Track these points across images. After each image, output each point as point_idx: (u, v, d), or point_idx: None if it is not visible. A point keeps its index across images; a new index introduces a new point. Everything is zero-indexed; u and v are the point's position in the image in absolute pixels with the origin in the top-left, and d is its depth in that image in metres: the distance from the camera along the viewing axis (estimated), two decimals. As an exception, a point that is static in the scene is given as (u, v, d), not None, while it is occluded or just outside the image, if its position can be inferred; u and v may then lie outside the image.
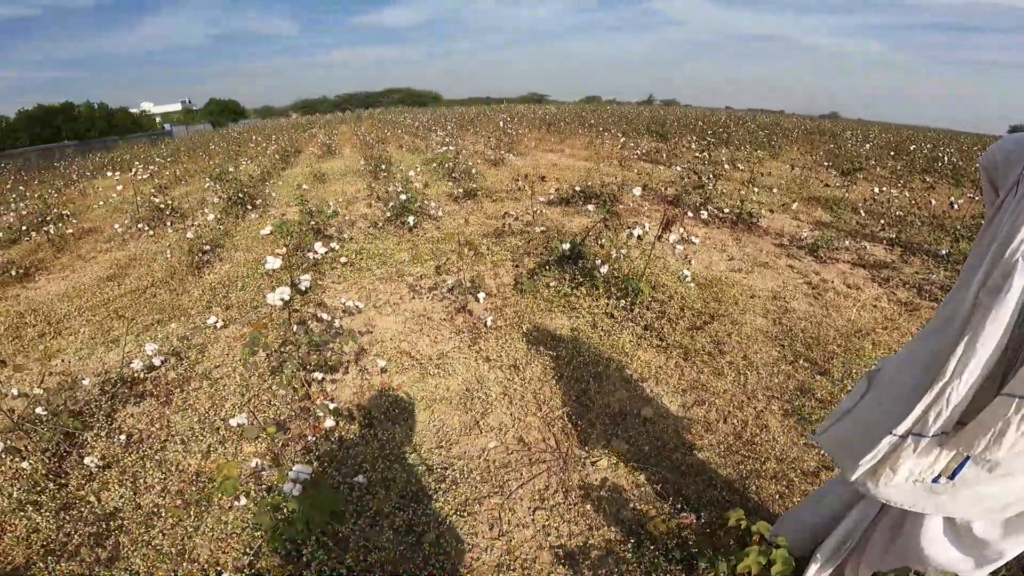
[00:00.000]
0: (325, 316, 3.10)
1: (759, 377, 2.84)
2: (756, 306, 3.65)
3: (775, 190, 7.00)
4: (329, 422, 2.45)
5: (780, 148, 11.70)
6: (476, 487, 2.15)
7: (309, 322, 3.17)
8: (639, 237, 3.61)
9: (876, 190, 6.29)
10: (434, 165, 8.16)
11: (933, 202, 6.06)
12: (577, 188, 5.85)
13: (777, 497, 2.07)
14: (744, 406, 2.62)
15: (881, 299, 3.88)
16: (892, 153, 11.85)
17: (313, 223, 4.83)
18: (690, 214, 4.94)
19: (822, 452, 2.31)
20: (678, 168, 7.18)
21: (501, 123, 14.27)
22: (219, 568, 1.82)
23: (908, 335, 3.33)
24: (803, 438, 2.41)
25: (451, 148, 8.71)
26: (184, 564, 1.83)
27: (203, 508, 2.05)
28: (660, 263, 4.13)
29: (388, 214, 5.22)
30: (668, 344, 3.12)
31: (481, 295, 3.43)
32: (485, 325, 3.28)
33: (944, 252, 4.59)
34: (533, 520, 2.01)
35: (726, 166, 7.22)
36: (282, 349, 3.00)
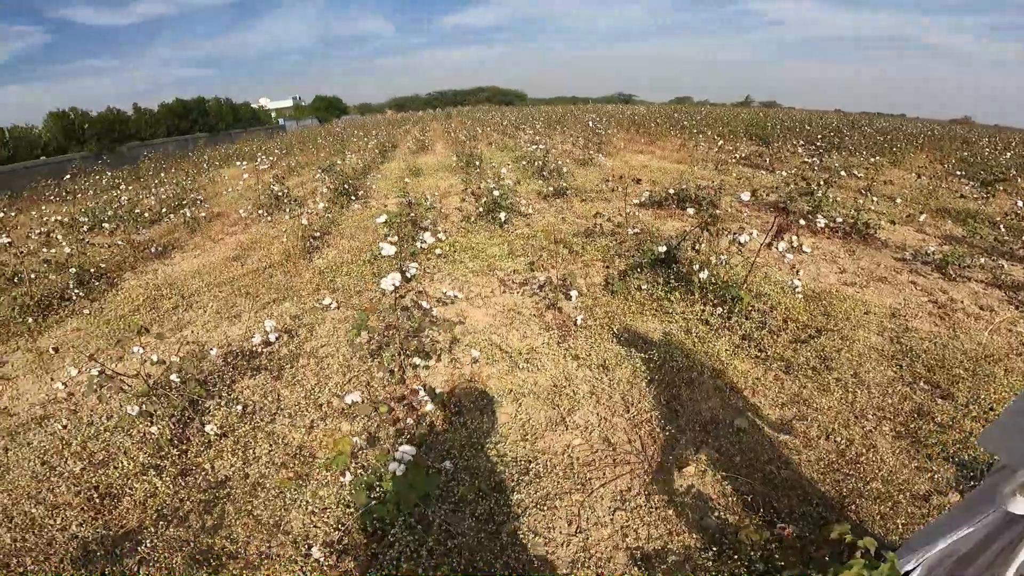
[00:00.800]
0: (425, 304, 3.27)
1: (870, 396, 2.62)
2: (871, 323, 3.34)
3: (898, 200, 6.33)
4: (428, 407, 2.60)
5: (903, 155, 10.54)
6: (558, 482, 2.17)
7: (411, 309, 3.37)
8: (743, 244, 3.44)
9: (1020, 203, 5.50)
10: (523, 163, 8.27)
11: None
12: (671, 191, 5.67)
13: (879, 518, 1.92)
14: (851, 425, 2.43)
15: (1018, 323, 3.41)
16: None
17: (411, 215, 5.10)
18: (802, 222, 4.62)
19: (935, 476, 2.12)
20: (783, 173, 6.72)
21: (590, 122, 14.13)
22: (309, 542, 1.93)
23: None
24: (915, 461, 2.20)
25: (540, 147, 8.79)
26: (278, 535, 1.96)
27: (303, 482, 2.20)
28: (763, 272, 3.91)
29: (480, 209, 5.37)
30: (768, 356, 2.95)
31: (572, 293, 3.44)
32: (575, 323, 3.29)
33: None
34: (612, 520, 2.00)
35: (841, 172, 6.63)
36: (384, 333, 3.22)
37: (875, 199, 5.69)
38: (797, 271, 3.75)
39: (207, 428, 2.52)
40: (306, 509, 2.08)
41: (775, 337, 3.14)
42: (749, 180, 6.95)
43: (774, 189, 6.03)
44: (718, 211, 4.98)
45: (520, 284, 3.89)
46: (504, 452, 2.34)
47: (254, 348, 3.23)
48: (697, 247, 3.79)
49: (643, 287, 3.62)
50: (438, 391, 2.82)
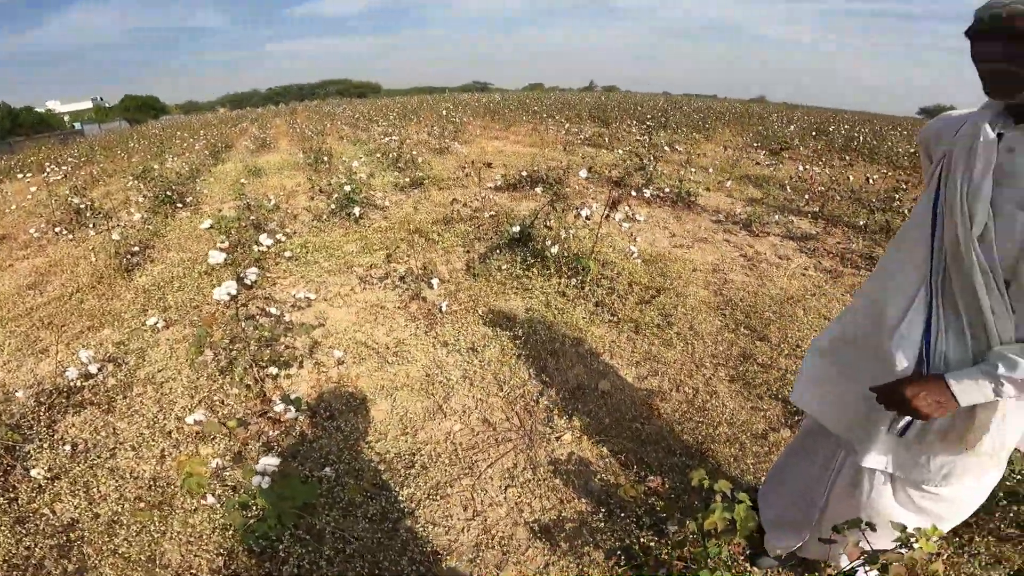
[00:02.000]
0: (274, 311, 3.01)
1: (705, 346, 3.02)
2: (698, 279, 3.85)
3: (710, 170, 7.34)
4: (290, 413, 2.40)
5: (714, 130, 12.25)
6: (446, 470, 2.18)
7: (258, 317, 3.07)
8: (587, 217, 3.71)
9: (801, 168, 6.74)
10: (377, 156, 7.98)
11: (851, 178, 6.57)
12: (524, 173, 5.91)
13: (732, 460, 2.22)
14: (694, 374, 2.78)
15: (809, 268, 4.19)
16: (814, 134, 12.68)
17: (252, 218, 4.64)
18: (633, 194, 5.12)
19: (767, 414, 2.49)
20: (620, 152, 7.39)
21: (444, 112, 14.08)
22: (193, 572, 1.76)
23: (835, 300, 3.63)
24: (749, 402, 2.57)
25: (394, 139, 8.54)
26: (156, 571, 1.76)
27: (167, 512, 1.97)
28: (607, 242, 4.27)
29: (332, 206, 5.08)
30: (620, 319, 3.25)
31: (434, 281, 3.43)
32: (440, 311, 3.29)
33: (862, 223, 5.01)
34: (505, 498, 2.06)
35: (665, 148, 7.49)
36: (231, 347, 2.89)
37: (693, 170, 6.54)
38: (635, 238, 4.17)
39: (32, 472, 2.13)
40: (180, 539, 1.86)
41: (623, 301, 3.46)
42: (592, 159, 7.52)
43: (614, 166, 6.61)
44: (567, 189, 5.32)
45: (380, 279, 3.77)
46: (386, 449, 2.28)
47: (71, 384, 2.71)
48: (548, 224, 4.01)
49: (503, 267, 3.74)
50: (302, 398, 2.64)
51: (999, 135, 0.97)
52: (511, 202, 5.35)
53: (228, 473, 2.13)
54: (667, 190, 5.76)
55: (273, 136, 12.43)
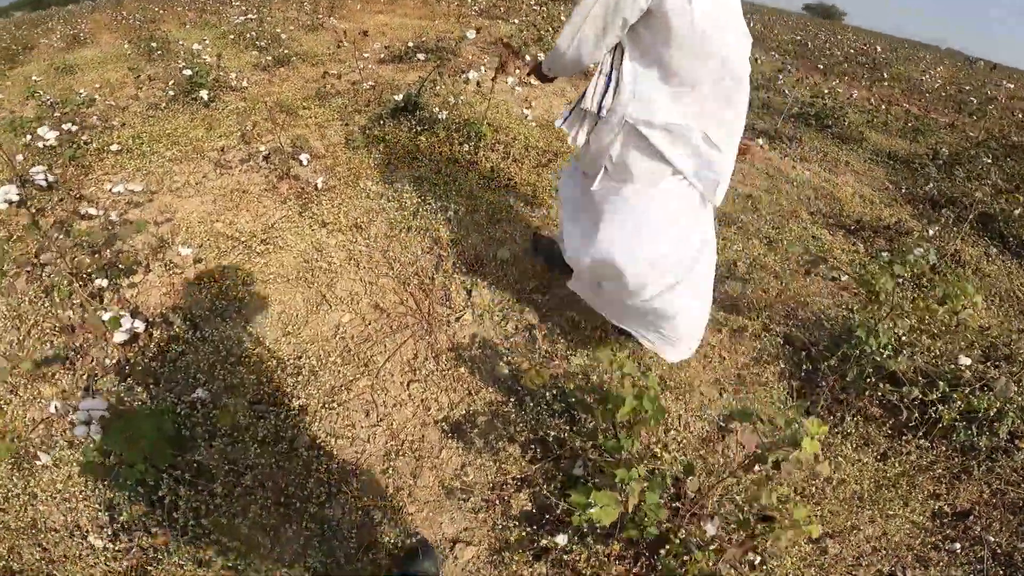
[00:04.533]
0: (93, 211, 2.42)
1: None
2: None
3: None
4: (120, 335, 1.97)
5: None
6: (339, 372, 1.93)
7: (72, 223, 2.45)
8: (478, 83, 3.29)
9: None
10: (231, 38, 6.64)
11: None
12: (411, 44, 5.18)
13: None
14: None
15: None
16: None
17: (58, 115, 3.67)
18: (528, 59, 4.68)
19: None
20: (516, 22, 6.73)
21: (316, -11, 12.03)
22: (81, 529, 1.46)
23: None
24: None
25: (251, 17, 7.14)
26: (43, 535, 1.44)
27: (28, 472, 1.58)
28: (502, 109, 3.89)
29: (171, 93, 4.15)
30: (516, 183, 3.00)
31: (304, 157, 2.92)
32: (315, 188, 2.84)
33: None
34: (410, 396, 1.87)
35: (562, 19, 6.93)
36: (40, 263, 2.30)
37: (593, 38, 6.11)
38: (530, 103, 3.82)
39: None
40: (55, 500, 1.52)
41: (519, 165, 3.19)
42: (488, 30, 6.81)
43: (511, 36, 6.01)
44: (458, 59, 4.75)
45: (242, 161, 3.17)
46: (267, 355, 1.96)
47: None
48: (436, 91, 3.54)
49: (387, 137, 3.28)
50: (154, 310, 2.19)
51: None
52: (396, 74, 4.70)
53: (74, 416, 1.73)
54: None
55: (90, 31, 9.95)
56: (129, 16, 11.40)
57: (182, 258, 2.43)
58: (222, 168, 3.13)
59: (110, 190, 2.85)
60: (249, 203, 2.80)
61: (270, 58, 5.23)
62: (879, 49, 11.68)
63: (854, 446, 1.84)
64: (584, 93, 1.55)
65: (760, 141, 4.14)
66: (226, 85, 4.43)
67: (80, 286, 2.16)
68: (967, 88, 8.73)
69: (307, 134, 3.38)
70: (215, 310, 2.17)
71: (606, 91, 1.48)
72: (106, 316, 1.92)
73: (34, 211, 2.13)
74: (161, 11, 11.91)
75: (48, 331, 2.09)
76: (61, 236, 2.26)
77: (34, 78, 5.08)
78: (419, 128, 3.29)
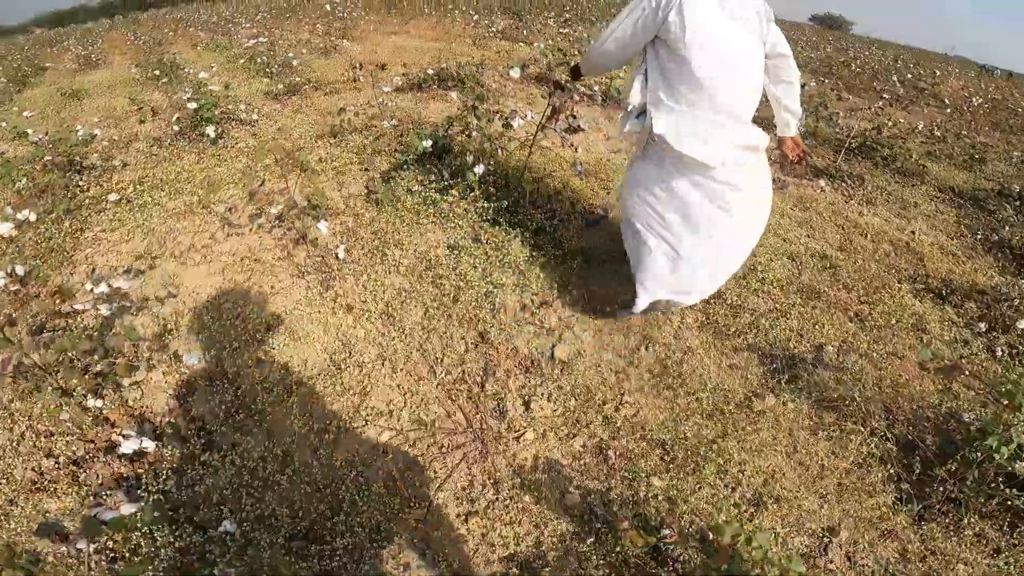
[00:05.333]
0: (81, 306, 2.08)
1: None
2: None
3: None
4: (145, 444, 1.63)
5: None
6: (384, 503, 1.58)
7: (48, 315, 2.10)
8: (515, 127, 2.92)
9: None
10: (242, 62, 6.35)
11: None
12: (430, 71, 4.85)
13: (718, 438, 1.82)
14: (660, 321, 2.27)
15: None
16: None
17: (57, 158, 3.35)
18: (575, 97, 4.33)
19: (748, 374, 2.12)
20: (540, 45, 6.40)
21: (329, 6, 11.82)
22: None
23: (785, 212, 3.24)
24: (725, 356, 2.17)
25: (262, 40, 6.87)
26: None
27: None
28: (538, 152, 3.53)
29: (176, 128, 3.83)
30: (566, 250, 2.62)
31: (323, 223, 2.55)
32: (336, 258, 2.47)
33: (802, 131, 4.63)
34: (469, 532, 1.54)
35: (590, 42, 6.59)
36: (22, 367, 1.94)
37: (623, 62, 5.77)
38: (576, 148, 3.44)
39: None
40: None
41: (566, 225, 2.81)
42: (508, 53, 6.49)
43: (534, 61, 5.68)
44: (482, 89, 4.40)
45: (252, 217, 2.81)
46: (298, 478, 1.62)
47: None
48: (469, 132, 3.17)
49: (414, 189, 2.91)
50: (162, 417, 1.84)
51: None
52: (416, 104, 4.36)
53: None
54: (595, 87, 5.00)
55: (104, 51, 9.76)
56: (144, 36, 11.24)
57: (188, 351, 2.07)
58: (231, 227, 2.77)
59: (122, 254, 2.52)
60: (263, 275, 2.44)
61: (281, 86, 4.92)
62: (900, 62, 11.29)
63: (967, 544, 1.62)
64: None
65: (822, 183, 3.75)
66: (235, 118, 4.10)
67: (73, 391, 1.80)
68: (995, 99, 8.26)
69: (324, 183, 3.02)
70: (232, 422, 1.82)
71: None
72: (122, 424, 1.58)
73: (21, 298, 1.77)
74: (172, 32, 11.76)
75: (42, 441, 1.74)
76: (28, 339, 1.90)
77: (26, 113, 4.78)
78: (450, 180, 2.93)
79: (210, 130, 3.65)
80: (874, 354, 2.31)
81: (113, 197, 3.07)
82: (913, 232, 3.39)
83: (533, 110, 3.36)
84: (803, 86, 5.62)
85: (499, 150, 2.91)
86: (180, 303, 2.35)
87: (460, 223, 2.70)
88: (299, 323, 2.16)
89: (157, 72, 5.95)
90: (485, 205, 2.76)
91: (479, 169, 2.69)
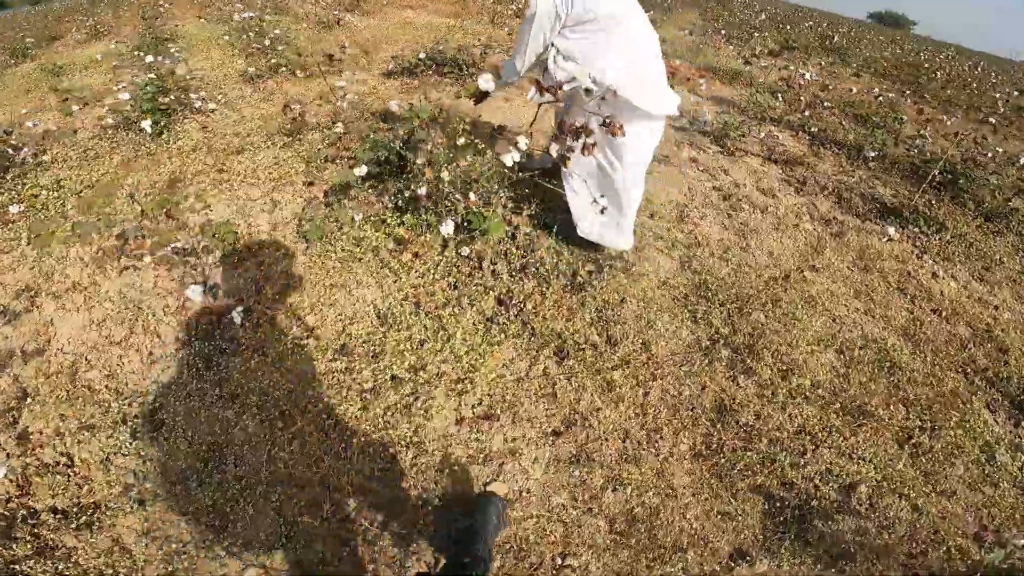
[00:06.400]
0: None
1: (664, 387, 1.88)
2: (660, 233, 2.62)
3: (676, 61, 5.80)
4: None
5: (673, 10, 10.31)
6: None
7: None
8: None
9: (792, 68, 5.34)
10: (227, 39, 5.78)
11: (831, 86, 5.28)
12: (422, 56, 4.19)
13: None
14: (642, 451, 1.68)
15: (803, 214, 3.07)
16: (788, 27, 10.90)
17: None
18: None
19: (741, 526, 1.54)
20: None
21: (346, -26, 11.07)
22: None
23: (839, 276, 2.57)
24: (719, 500, 1.59)
25: (253, 14, 6.27)
26: None
27: None
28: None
29: (118, 117, 3.30)
30: (534, 332, 1.99)
31: (214, 278, 1.99)
32: (234, 323, 1.91)
33: (852, 139, 3.84)
34: None
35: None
36: None
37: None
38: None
39: None
40: None
41: (543, 288, 2.15)
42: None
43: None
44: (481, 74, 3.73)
45: (153, 249, 2.27)
46: None
47: None
48: (435, 137, 2.50)
49: (357, 219, 2.31)
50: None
51: None
52: (400, 95, 3.72)
53: None
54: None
55: (115, 23, 9.31)
56: (151, 5, 10.79)
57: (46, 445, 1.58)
58: (126, 260, 2.24)
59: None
60: (144, 333, 1.91)
61: (254, 69, 4.34)
62: (980, 70, 9.93)
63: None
64: None
65: (891, 231, 2.98)
66: (189, 106, 3.55)
67: None
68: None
69: (253, 199, 2.45)
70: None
71: None
72: None
73: None
74: (169, 4, 11.25)
75: None
76: None
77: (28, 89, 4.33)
78: (403, 206, 2.31)
79: (146, 124, 3.11)
80: (915, 494, 1.67)
81: (15, 209, 2.57)
82: (996, 307, 2.64)
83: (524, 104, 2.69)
84: (877, 96, 4.76)
85: (466, 159, 2.24)
86: (43, 363, 1.86)
87: (400, 274, 2.09)
88: (169, 416, 1.62)
89: (152, 45, 5.43)
90: (436, 255, 2.14)
91: (422, 191, 2.07)
